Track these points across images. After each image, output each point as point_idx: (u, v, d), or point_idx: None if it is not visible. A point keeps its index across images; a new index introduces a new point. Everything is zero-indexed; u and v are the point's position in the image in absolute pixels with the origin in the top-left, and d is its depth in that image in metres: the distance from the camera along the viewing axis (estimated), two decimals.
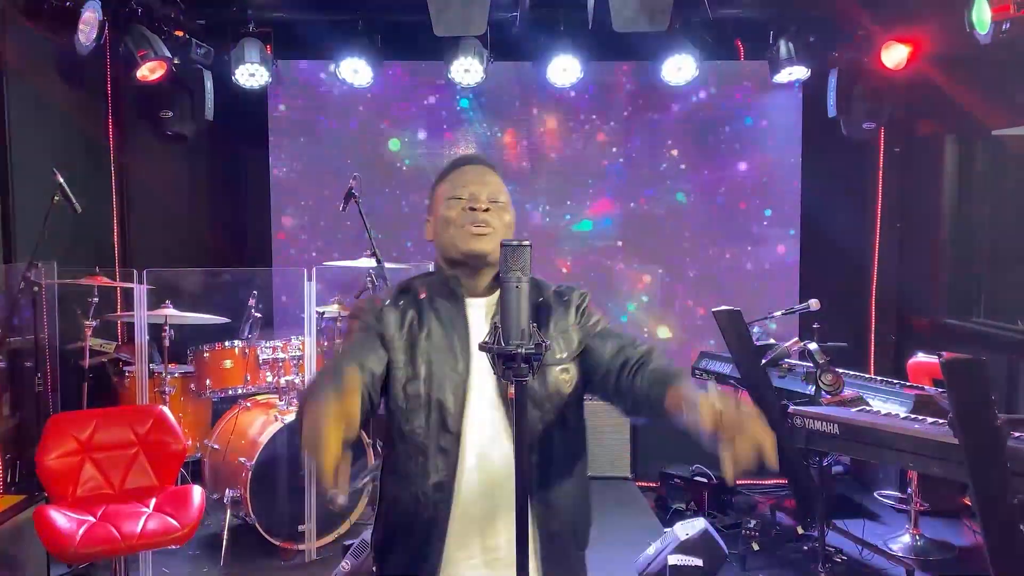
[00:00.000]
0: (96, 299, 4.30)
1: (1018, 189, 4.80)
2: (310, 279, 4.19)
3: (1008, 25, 3.57)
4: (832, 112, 5.32)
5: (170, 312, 4.34)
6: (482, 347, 1.49)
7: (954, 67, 4.72)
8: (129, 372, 4.60)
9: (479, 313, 1.80)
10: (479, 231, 1.74)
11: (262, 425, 4.26)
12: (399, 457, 1.76)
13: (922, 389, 4.00)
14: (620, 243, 5.67)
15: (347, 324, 1.86)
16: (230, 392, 4.51)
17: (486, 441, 1.72)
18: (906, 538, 4.38)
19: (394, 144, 5.62)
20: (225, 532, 4.14)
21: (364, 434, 4.37)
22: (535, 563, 1.71)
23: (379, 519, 1.84)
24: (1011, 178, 4.86)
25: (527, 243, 1.48)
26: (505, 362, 1.45)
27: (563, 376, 1.77)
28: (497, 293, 1.75)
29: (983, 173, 5.05)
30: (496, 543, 1.72)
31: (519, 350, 1.43)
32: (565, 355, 1.78)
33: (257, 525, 4.12)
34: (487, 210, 1.76)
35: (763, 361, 4.19)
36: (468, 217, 1.75)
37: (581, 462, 1.84)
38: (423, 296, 1.81)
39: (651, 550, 3.93)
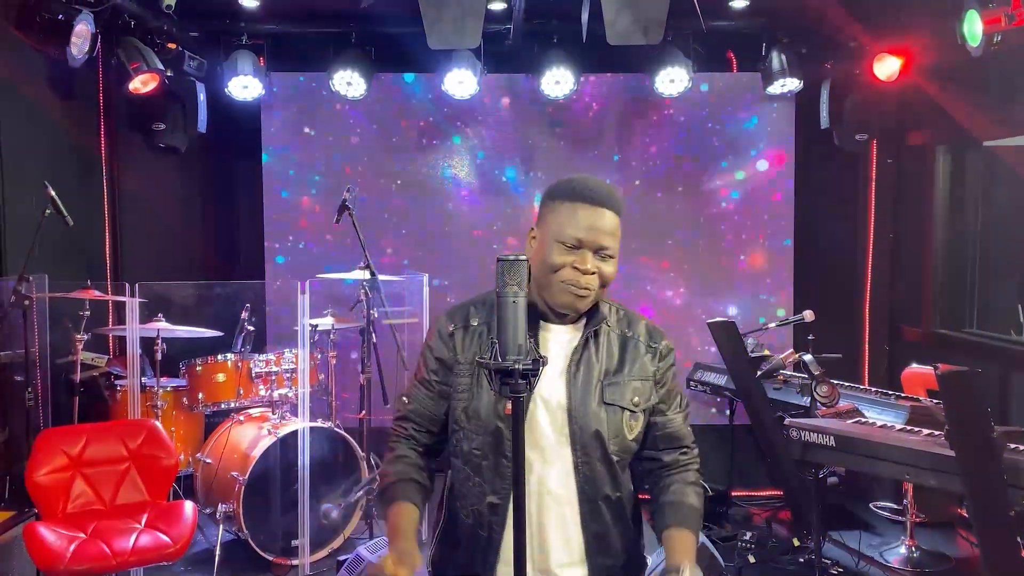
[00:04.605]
0: (88, 313, 4.27)
1: (1010, 200, 4.82)
2: (303, 292, 4.18)
3: (999, 37, 3.59)
4: (825, 123, 5.33)
5: (162, 325, 4.31)
6: (479, 363, 1.48)
7: (946, 79, 4.74)
8: (121, 386, 4.57)
9: (555, 339, 1.78)
10: (578, 293, 1.71)
11: (255, 439, 4.23)
12: (458, 475, 1.80)
13: (917, 400, 4.01)
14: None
15: (421, 354, 1.88)
16: (223, 406, 4.48)
17: (543, 466, 1.74)
18: (902, 549, 4.37)
19: (387, 156, 5.61)
20: (218, 547, 4.10)
21: (357, 448, 4.36)
22: None
23: (438, 534, 1.88)
24: (1003, 189, 4.88)
25: (524, 258, 1.48)
26: (502, 378, 1.44)
27: (631, 423, 1.78)
28: (578, 324, 1.80)
29: (975, 184, 5.07)
30: (550, 565, 1.75)
31: (516, 366, 1.43)
32: (639, 401, 1.79)
33: (250, 540, 4.09)
34: (594, 273, 1.71)
35: (758, 373, 4.19)
36: (571, 275, 1.70)
37: (632, 505, 1.86)
38: None
39: (648, 562, 3.91)
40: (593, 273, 1.70)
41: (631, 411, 1.77)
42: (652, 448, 1.84)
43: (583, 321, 1.80)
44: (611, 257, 1.74)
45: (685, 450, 1.87)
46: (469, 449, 1.75)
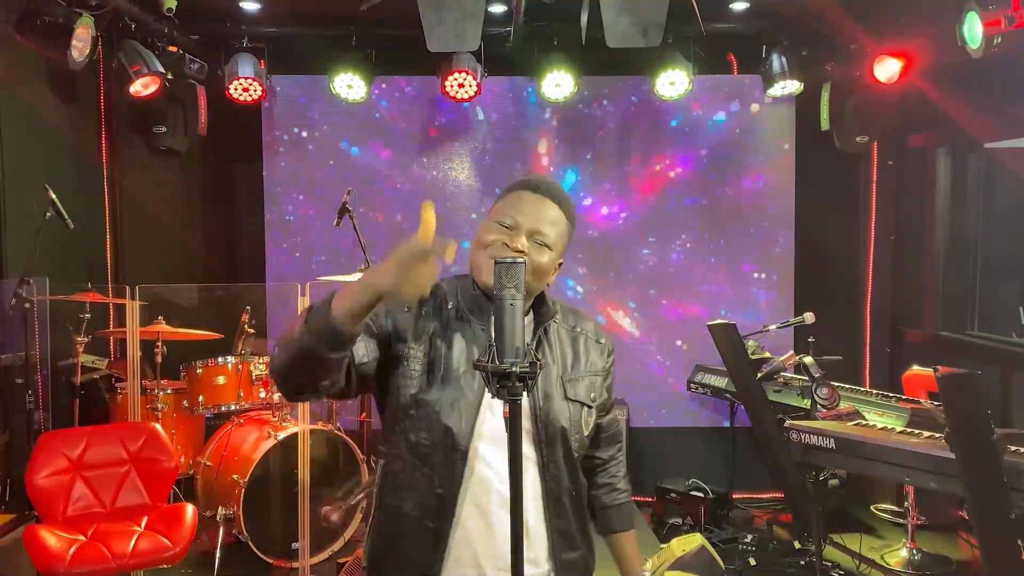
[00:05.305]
0: (88, 315, 4.28)
1: (1010, 201, 4.82)
2: (304, 294, 4.17)
3: (1000, 39, 3.58)
4: (825, 126, 5.33)
5: (163, 328, 4.31)
6: (476, 365, 1.47)
7: (946, 81, 4.74)
8: (121, 389, 4.57)
9: None
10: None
11: (255, 442, 4.23)
12: (404, 466, 1.73)
13: (918, 402, 4.01)
14: (613, 255, 5.66)
15: None
16: (223, 408, 4.47)
17: (495, 460, 1.70)
18: (903, 552, 4.37)
19: (388, 158, 5.62)
20: (218, 550, 4.10)
21: (358, 450, 4.36)
22: None
23: (375, 528, 1.80)
24: (1003, 190, 4.88)
25: (521, 260, 1.47)
26: (499, 380, 1.44)
27: (588, 418, 1.79)
28: (528, 320, 1.78)
29: (976, 186, 5.07)
30: (498, 556, 1.69)
31: (514, 368, 1.42)
32: (594, 396, 1.81)
33: (250, 543, 4.09)
34: (519, 250, 1.68)
35: (759, 375, 4.19)
36: (499, 250, 1.69)
37: (584, 499, 1.87)
38: (451, 306, 1.77)
39: (648, 566, 3.90)
40: (520, 251, 1.68)
41: (588, 406, 1.79)
42: (594, 447, 1.90)
43: (530, 316, 1.79)
44: (547, 248, 1.71)
45: (620, 445, 1.97)
46: (417, 440, 1.70)
